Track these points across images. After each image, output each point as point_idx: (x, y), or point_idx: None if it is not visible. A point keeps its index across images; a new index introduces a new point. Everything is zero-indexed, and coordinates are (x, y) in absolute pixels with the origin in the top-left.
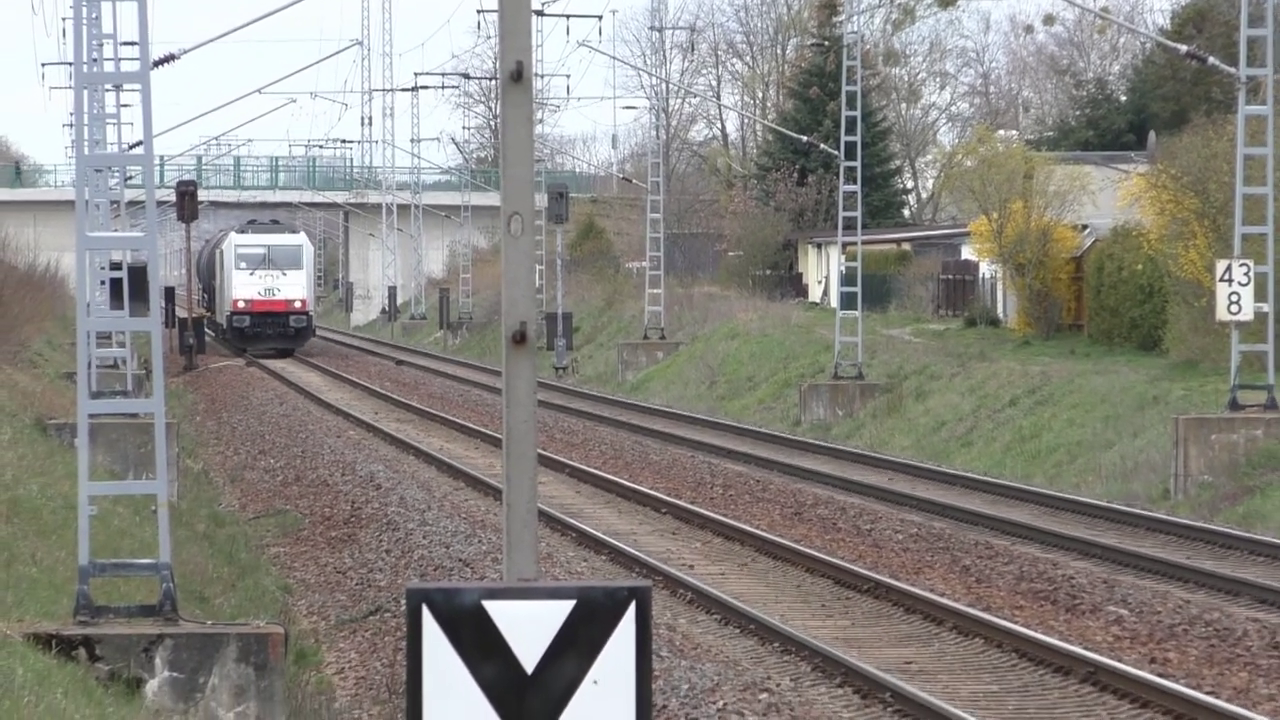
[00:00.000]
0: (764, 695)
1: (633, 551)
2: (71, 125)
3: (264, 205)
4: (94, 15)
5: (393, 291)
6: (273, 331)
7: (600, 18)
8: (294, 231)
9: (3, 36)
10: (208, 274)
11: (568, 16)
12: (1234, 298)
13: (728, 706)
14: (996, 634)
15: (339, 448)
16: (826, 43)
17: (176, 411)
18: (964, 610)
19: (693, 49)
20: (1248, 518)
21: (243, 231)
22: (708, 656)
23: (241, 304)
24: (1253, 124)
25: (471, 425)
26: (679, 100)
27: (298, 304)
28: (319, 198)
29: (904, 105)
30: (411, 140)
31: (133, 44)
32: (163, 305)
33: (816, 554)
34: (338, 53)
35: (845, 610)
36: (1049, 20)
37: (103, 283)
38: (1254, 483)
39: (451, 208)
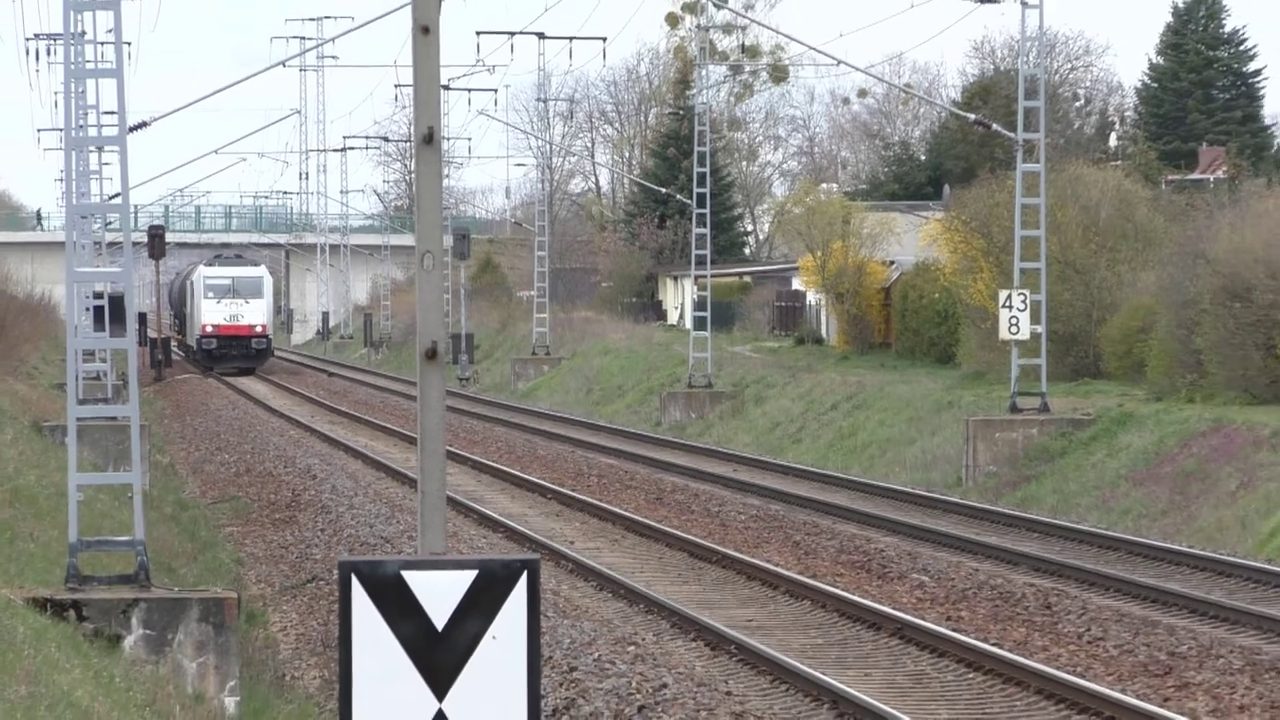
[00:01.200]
0: (631, 648)
1: (524, 530)
2: (62, 180)
3: (220, 245)
4: (80, 89)
5: (326, 316)
6: (237, 352)
7: (496, 91)
8: (255, 265)
9: (5, 106)
10: (179, 302)
11: (469, 90)
12: (1013, 321)
13: (602, 657)
14: (821, 596)
15: (281, 445)
16: (681, 111)
17: (148, 415)
18: (795, 577)
19: (571, 116)
20: (1025, 501)
21: (210, 264)
22: (585, 616)
23: (209, 328)
24: (1028, 179)
25: (391, 426)
26: (560, 159)
27: (259, 328)
28: (265, 239)
29: (744, 163)
30: (341, 192)
31: (112, 113)
32: (137, 328)
33: (674, 531)
34: (280, 120)
35: (698, 578)
36: (862, 94)
37: (88, 309)
38: (1030, 472)
39: (374, 247)
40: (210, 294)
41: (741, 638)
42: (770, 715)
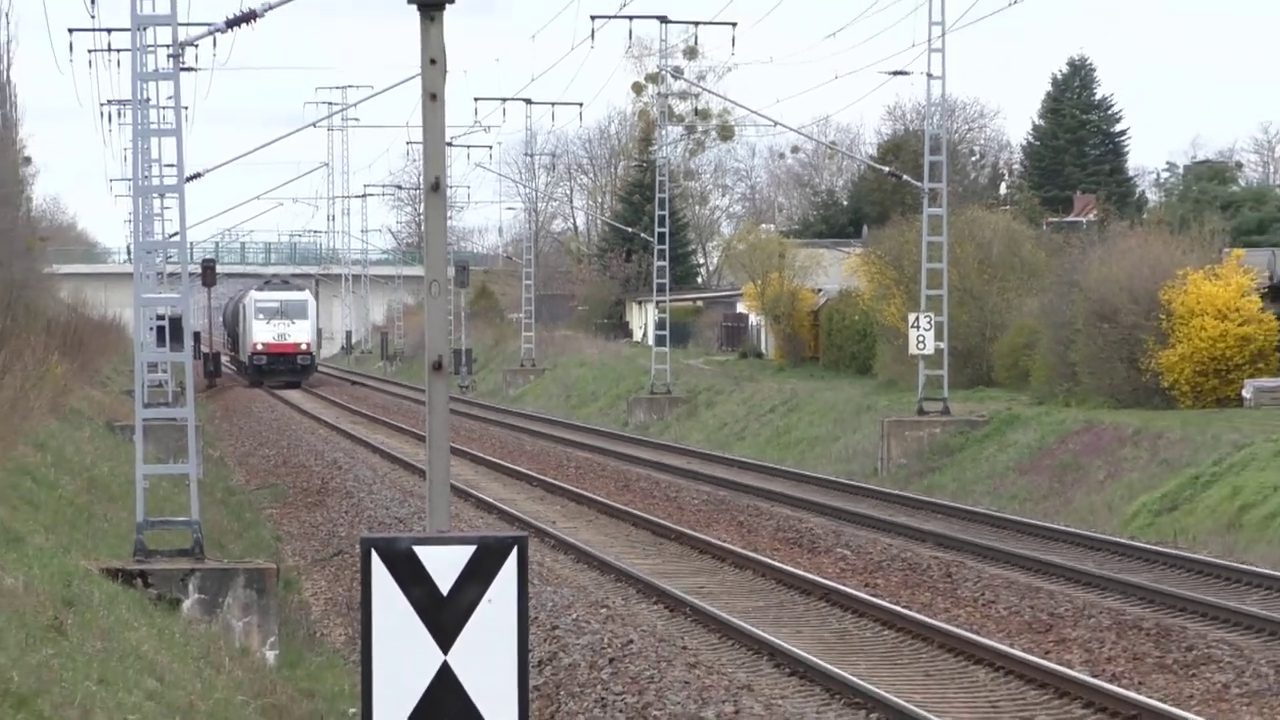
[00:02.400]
0: (604, 609)
1: (514, 512)
2: (130, 221)
3: (260, 275)
4: (145, 146)
5: (349, 334)
6: (284, 368)
7: (490, 147)
8: (301, 290)
9: (84, 160)
10: (232, 322)
11: (469, 146)
12: (920, 339)
13: (579, 617)
14: (761, 567)
15: (312, 441)
16: (644, 164)
17: (201, 417)
18: (739, 551)
19: (553, 168)
20: (930, 488)
21: (261, 289)
22: (565, 583)
23: (259, 346)
24: (933, 221)
25: (404, 426)
26: (544, 203)
27: (304, 346)
28: (299, 270)
29: (697, 207)
30: (362, 231)
31: (171, 166)
32: (192, 344)
33: (639, 513)
34: (311, 171)
35: (659, 552)
36: (795, 149)
37: (151, 329)
38: (934, 464)
39: (389, 277)
40: (260, 315)
41: (695, 601)
42: (719, 665)
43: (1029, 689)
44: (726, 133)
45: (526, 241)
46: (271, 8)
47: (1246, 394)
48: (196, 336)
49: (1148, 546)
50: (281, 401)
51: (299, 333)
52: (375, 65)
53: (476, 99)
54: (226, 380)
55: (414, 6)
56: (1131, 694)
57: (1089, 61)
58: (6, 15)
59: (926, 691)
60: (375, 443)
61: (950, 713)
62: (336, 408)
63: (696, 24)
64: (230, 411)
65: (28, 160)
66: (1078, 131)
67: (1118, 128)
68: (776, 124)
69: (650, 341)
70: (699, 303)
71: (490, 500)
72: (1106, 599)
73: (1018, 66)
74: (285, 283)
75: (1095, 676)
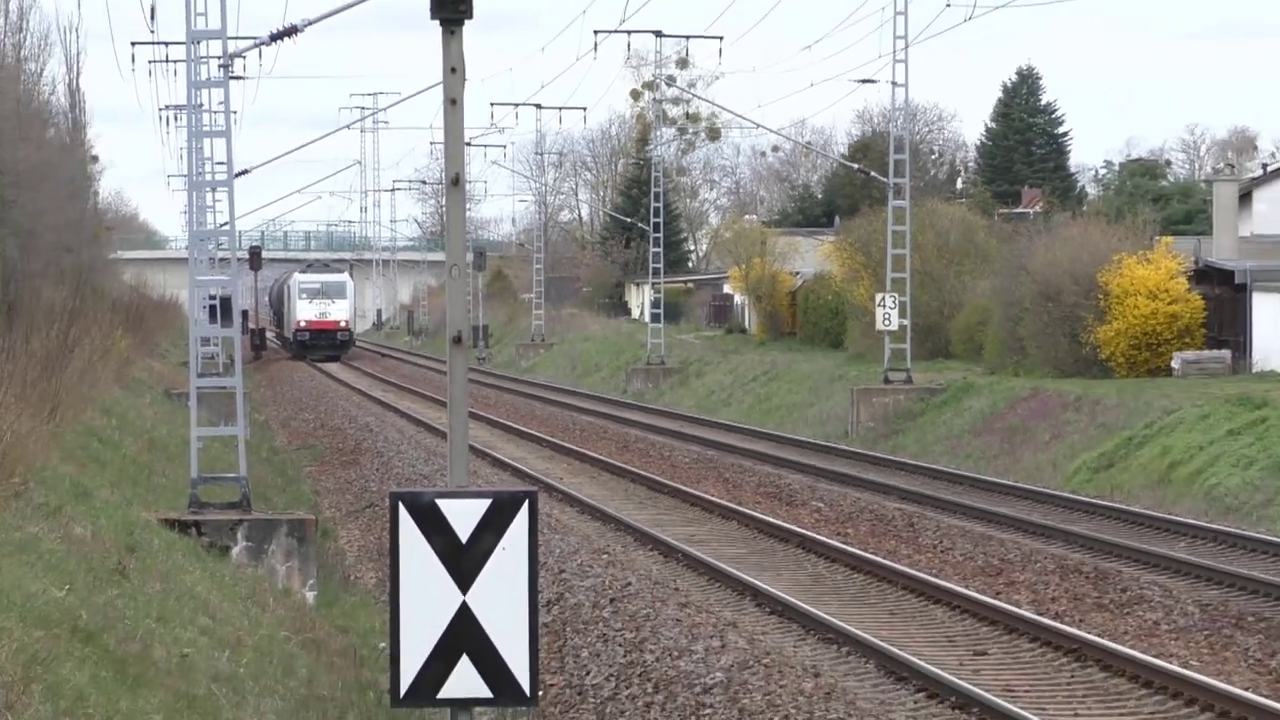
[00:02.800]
0: (605, 555)
1: (525, 469)
2: (186, 212)
3: (301, 260)
4: (199, 146)
5: (379, 312)
6: (325, 343)
7: (505, 146)
8: (340, 272)
9: (144, 158)
10: (278, 302)
11: (485, 146)
12: (886, 316)
13: (583, 562)
14: (746, 519)
15: (347, 407)
16: (641, 162)
17: (248, 385)
18: (725, 504)
19: (560, 165)
20: (894, 448)
21: (304, 272)
22: (571, 532)
23: (303, 324)
24: (897, 212)
25: (427, 394)
26: (552, 196)
27: (343, 324)
28: (335, 256)
29: (688, 200)
30: (390, 221)
31: (222, 163)
32: (240, 321)
33: (636, 470)
34: (346, 168)
35: (654, 505)
36: (775, 149)
37: (204, 307)
38: (898, 427)
39: (414, 261)
40: (304, 295)
41: (686, 548)
42: (707, 605)
43: (981, 625)
44: (714, 134)
45: (536, 230)
46: (310, 23)
47: (1175, 365)
48: (244, 314)
49: (1087, 500)
50: (320, 372)
51: (338, 311)
52: (402, 74)
53: (492, 104)
54: (272, 354)
55: (437, 21)
56: (1073, 630)
57: (1035, 71)
58: (76, 30)
59: (891, 628)
60: (402, 408)
61: (911, 646)
62: (368, 377)
63: (688, 38)
64: (274, 381)
65: (95, 158)
66: (1025, 133)
67: (1061, 130)
68: (759, 126)
69: (646, 319)
70: (690, 284)
71: (504, 459)
72: (1051, 546)
73: (972, 75)
74: (326, 266)
75: (1041, 614)
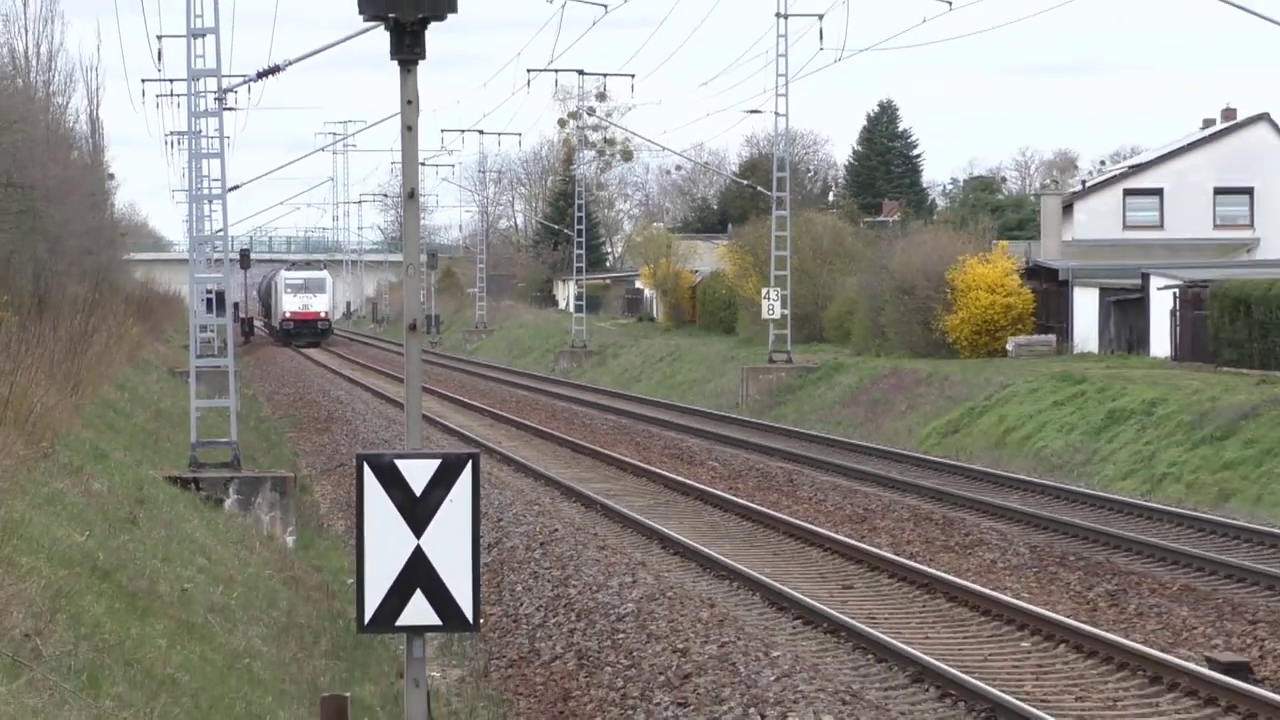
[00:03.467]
0: (536, 506)
1: (470, 435)
2: (186, 221)
3: (284, 261)
4: (197, 165)
5: (349, 304)
6: (308, 331)
7: (453, 166)
8: (321, 269)
9: (152, 175)
10: (266, 296)
11: (438, 165)
12: (770, 307)
13: (518, 512)
14: (654, 476)
15: (321, 384)
16: (567, 179)
17: (238, 365)
18: (637, 464)
19: (499, 181)
20: (777, 417)
21: (289, 270)
22: (508, 488)
23: (288, 314)
24: (779, 221)
25: (389, 372)
26: (492, 207)
27: (323, 314)
28: (311, 257)
29: (606, 210)
30: (358, 228)
31: (218, 180)
32: (231, 312)
33: (562, 435)
34: (320, 184)
35: (577, 464)
36: (678, 168)
37: (203, 300)
38: (780, 399)
39: (378, 262)
40: (289, 290)
41: (604, 500)
42: (621, 548)
43: (849, 564)
44: (627, 155)
45: (479, 236)
46: (291, 63)
47: (1009, 347)
48: (235, 306)
49: (936, 459)
50: (298, 354)
51: (319, 303)
52: (368, 105)
53: (442, 130)
54: (260, 341)
55: (396, 62)
56: (924, 567)
57: (893, 103)
58: (96, 69)
59: (774, 565)
60: (368, 384)
61: (791, 581)
62: (338, 358)
63: (605, 75)
64: (261, 362)
65: (111, 176)
66: (885, 155)
67: (914, 152)
68: (664, 149)
69: (571, 310)
70: (607, 281)
71: (453, 426)
72: (906, 498)
73: (841, 107)
74: (308, 265)
75: (898, 555)
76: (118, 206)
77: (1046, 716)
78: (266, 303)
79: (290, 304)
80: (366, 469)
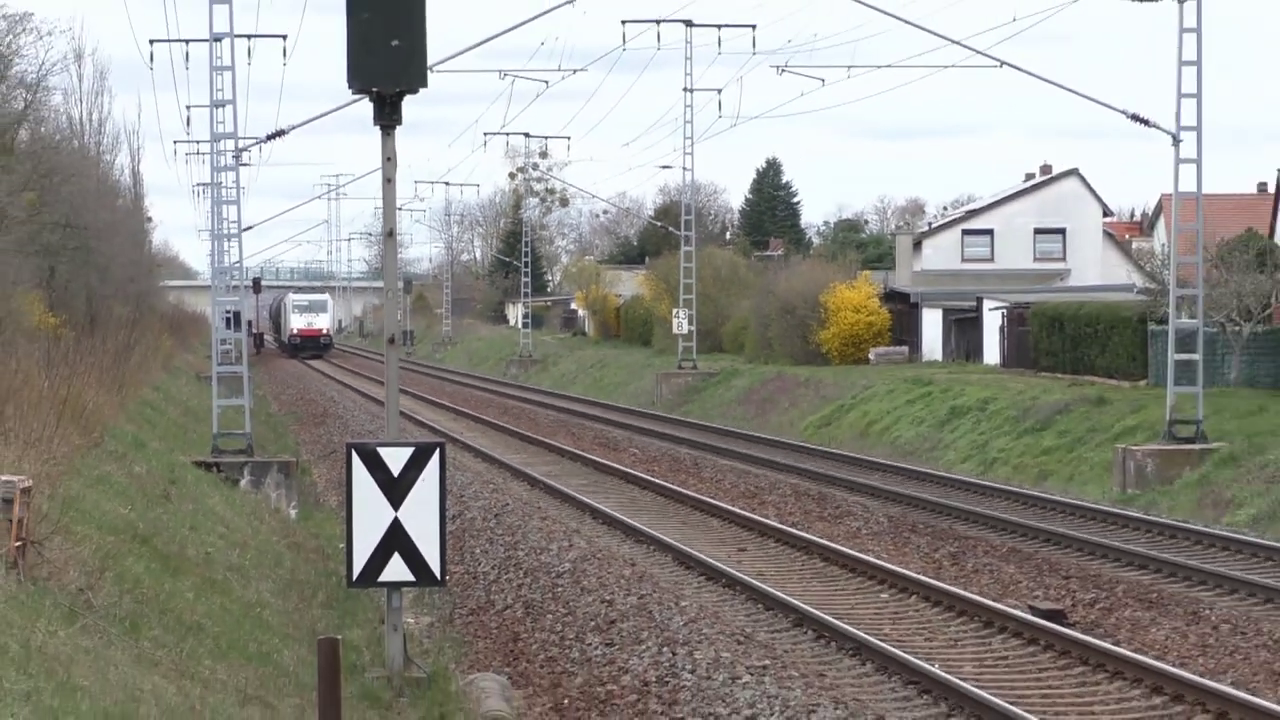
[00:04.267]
0: (491, 485)
1: (438, 427)
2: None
3: (289, 287)
4: (219, 210)
5: (340, 321)
6: (312, 346)
7: (424, 210)
8: (323, 293)
9: (183, 218)
10: (276, 315)
11: (412, 210)
12: (679, 324)
13: (477, 490)
14: (586, 460)
15: (318, 386)
16: (516, 220)
17: (251, 371)
18: (573, 450)
19: (461, 222)
20: (685, 413)
21: (296, 293)
22: (468, 470)
23: (295, 331)
24: (686, 255)
25: (373, 377)
26: (456, 244)
27: (325, 331)
28: (310, 284)
29: (548, 245)
30: (348, 260)
31: (235, 222)
32: (247, 328)
33: (512, 428)
34: (317, 225)
35: (524, 451)
36: (606, 212)
37: (223, 319)
38: (687, 399)
39: (364, 287)
40: (296, 310)
41: (546, 480)
42: (560, 519)
43: (743, 531)
44: (564, 202)
45: (445, 267)
46: (294, 128)
47: (871, 357)
48: (249, 324)
49: (813, 447)
50: (300, 364)
51: (322, 321)
52: (356, 160)
53: (416, 181)
54: (269, 354)
55: (378, 127)
56: (803, 533)
57: (778, 160)
58: (137, 132)
59: (681, 533)
60: (355, 387)
61: (696, 545)
62: (333, 365)
63: (546, 137)
64: (269, 369)
65: (149, 219)
66: (771, 201)
67: (795, 199)
68: (595, 196)
69: (519, 326)
70: (548, 303)
71: (424, 420)
72: (788, 478)
73: (736, 162)
74: (312, 289)
75: (782, 524)
76: (154, 243)
77: (900, 653)
78: (277, 321)
79: (297, 322)
80: (354, 455)
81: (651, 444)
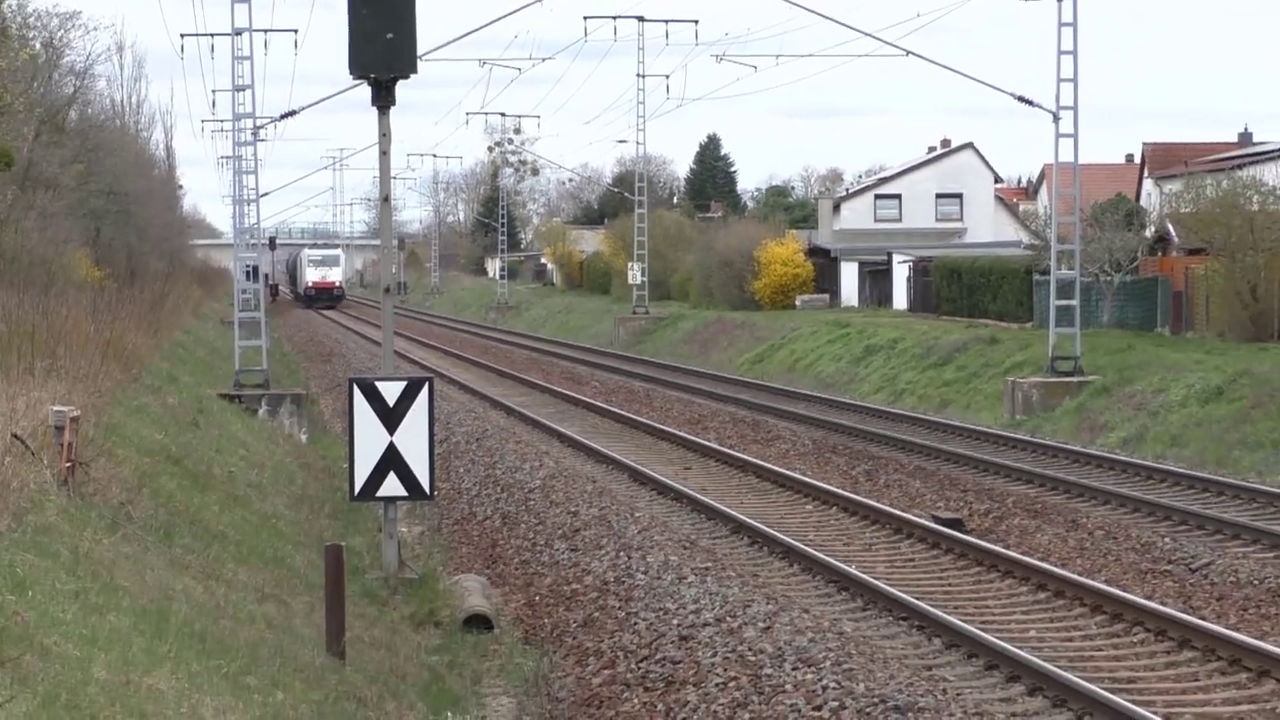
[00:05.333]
0: (472, 414)
1: (427, 365)
2: (233, 217)
3: (301, 245)
4: (240, 179)
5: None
6: (325, 298)
7: (414, 179)
8: (336, 248)
9: (210, 185)
10: (293, 268)
11: (405, 178)
12: (634, 275)
13: (460, 418)
14: (554, 393)
15: (327, 330)
16: (494, 187)
17: (267, 317)
18: (542, 384)
19: (447, 188)
20: (640, 352)
21: (311, 248)
22: (453, 401)
23: (310, 284)
24: (640, 217)
25: (372, 321)
26: (443, 208)
27: (338, 284)
28: (327, 241)
29: (521, 209)
30: (350, 221)
31: (253, 189)
32: (264, 280)
33: (490, 364)
34: (324, 191)
35: (501, 384)
36: (571, 179)
37: (244, 272)
38: (641, 339)
39: (364, 245)
40: (311, 264)
41: (520, 410)
42: (532, 442)
43: (689, 453)
44: (535, 171)
45: (434, 227)
46: (304, 108)
47: (798, 303)
48: (265, 277)
49: (748, 380)
50: (310, 311)
51: (335, 275)
52: (357, 136)
53: (408, 154)
54: (284, 303)
55: (375, 108)
56: (740, 454)
57: (718, 135)
58: (170, 112)
59: (637, 454)
60: (357, 330)
61: (649, 465)
62: (337, 311)
63: (519, 116)
64: (283, 315)
65: (181, 187)
66: (712, 171)
67: (732, 169)
68: (561, 166)
69: (497, 278)
70: (522, 258)
71: (415, 358)
72: (726, 406)
73: (683, 136)
74: (325, 244)
75: (722, 446)
76: (185, 208)
77: (822, 555)
78: (293, 274)
79: (312, 275)
80: (355, 388)
81: (610, 378)
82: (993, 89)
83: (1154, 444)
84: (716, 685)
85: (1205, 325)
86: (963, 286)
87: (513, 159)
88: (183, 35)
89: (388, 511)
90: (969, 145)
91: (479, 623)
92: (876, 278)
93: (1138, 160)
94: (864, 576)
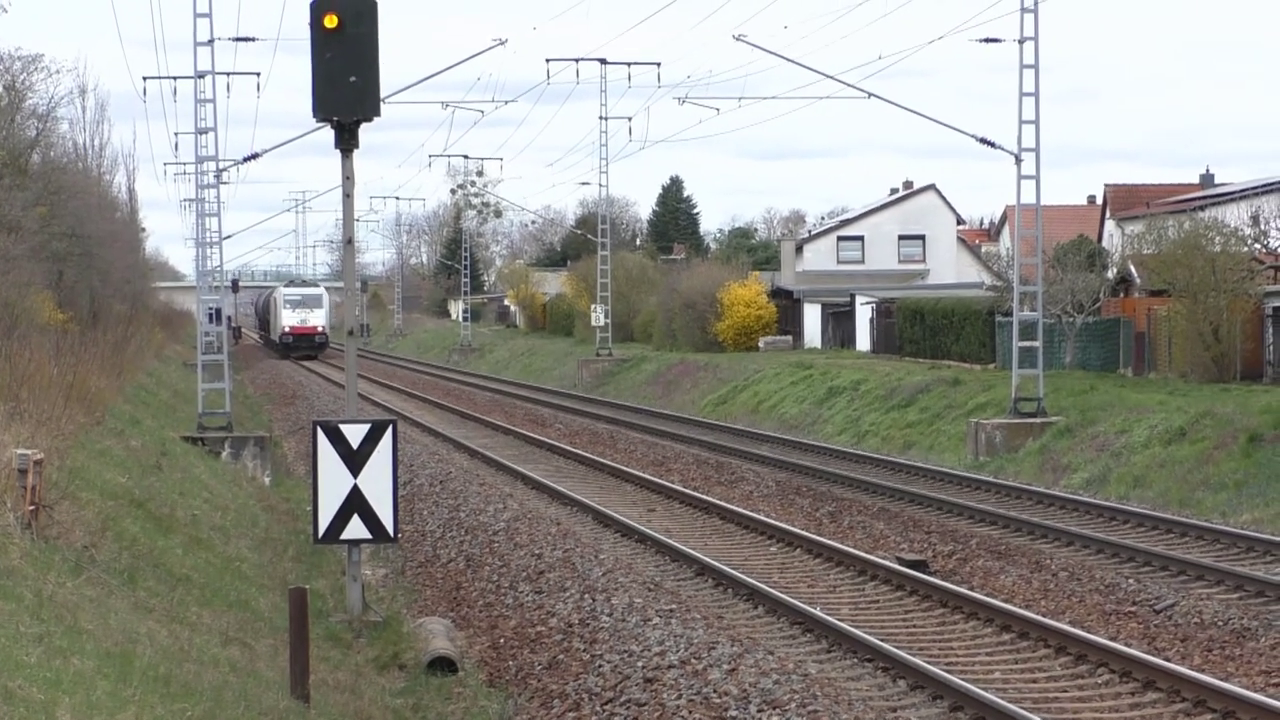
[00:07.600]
0: (436, 456)
1: (391, 406)
2: (195, 260)
3: (263, 288)
4: (203, 222)
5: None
6: (305, 345)
7: (378, 221)
8: (317, 287)
9: (172, 227)
10: (264, 311)
11: (369, 220)
12: (597, 317)
13: (425, 461)
14: (518, 434)
15: (290, 373)
16: (457, 229)
17: (231, 359)
18: (506, 426)
19: (410, 230)
20: (602, 394)
21: (287, 287)
22: (417, 443)
23: (287, 329)
24: (603, 258)
25: (335, 364)
26: (406, 249)
27: (320, 329)
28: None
29: (484, 250)
30: (313, 263)
31: (216, 232)
32: (226, 322)
33: (454, 406)
34: (285, 235)
35: (464, 426)
36: (534, 221)
37: (207, 315)
38: (604, 382)
39: (331, 287)
40: (288, 305)
41: (484, 452)
42: (496, 485)
43: (653, 495)
44: (498, 213)
45: (397, 269)
46: (266, 151)
47: (761, 345)
48: (228, 319)
49: (712, 422)
50: (274, 354)
51: (316, 318)
52: (320, 179)
53: (371, 196)
54: (250, 350)
55: (339, 150)
56: (704, 496)
57: (680, 178)
58: (133, 155)
59: (601, 496)
60: (320, 372)
61: (612, 506)
62: (306, 358)
63: (482, 159)
64: (247, 358)
65: (143, 229)
66: (674, 213)
67: (695, 210)
68: (524, 209)
69: (460, 320)
70: (485, 299)
71: (379, 400)
72: (690, 448)
73: (645, 179)
74: (305, 282)
75: (686, 488)
76: (147, 250)
77: (787, 598)
78: (265, 318)
79: (289, 319)
80: (319, 431)
81: (574, 420)
82: (955, 130)
83: (1117, 485)
84: None
85: (1168, 366)
86: (926, 328)
87: (475, 201)
88: (145, 78)
89: (352, 554)
90: (931, 187)
91: (443, 665)
92: (839, 319)
93: (1100, 201)
94: (828, 618)
